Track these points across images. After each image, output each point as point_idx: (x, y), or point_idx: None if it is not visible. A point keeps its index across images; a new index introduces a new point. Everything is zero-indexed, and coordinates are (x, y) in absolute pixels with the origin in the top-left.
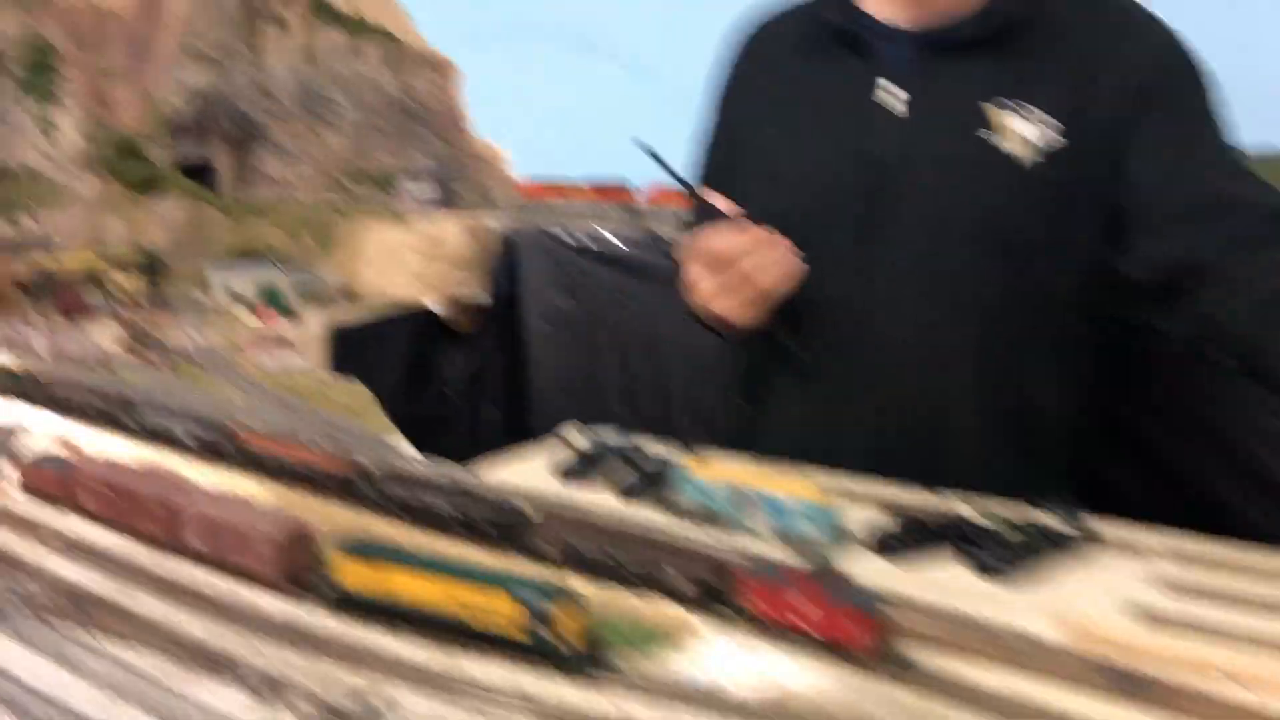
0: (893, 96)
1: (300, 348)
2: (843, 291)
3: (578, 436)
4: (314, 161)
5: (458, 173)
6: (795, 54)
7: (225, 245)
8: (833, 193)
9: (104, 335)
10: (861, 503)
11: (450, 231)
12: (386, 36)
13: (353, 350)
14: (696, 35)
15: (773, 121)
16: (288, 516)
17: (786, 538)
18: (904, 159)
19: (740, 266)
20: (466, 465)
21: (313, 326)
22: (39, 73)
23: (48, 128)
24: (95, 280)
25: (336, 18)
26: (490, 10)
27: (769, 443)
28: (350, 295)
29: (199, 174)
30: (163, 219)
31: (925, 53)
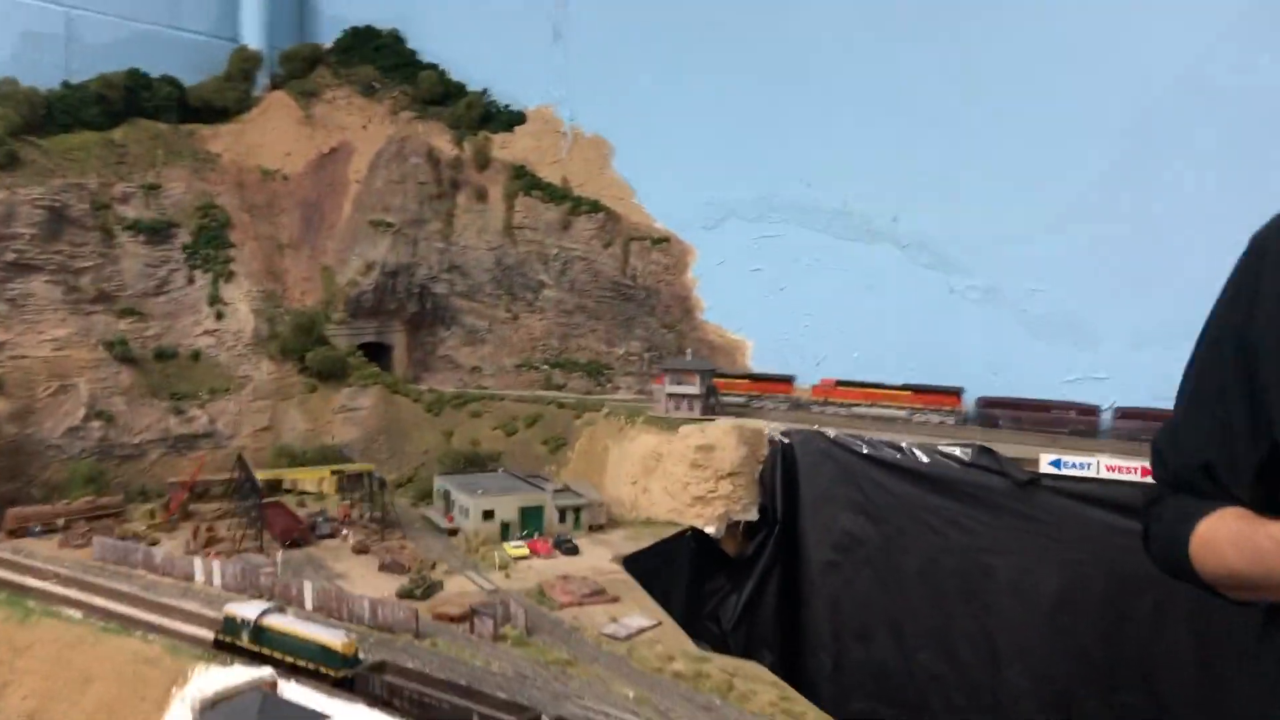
0: None
1: (614, 594)
2: None
3: None
4: (509, 345)
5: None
6: None
7: (424, 443)
8: None
9: (355, 568)
10: None
11: (720, 437)
12: (603, 211)
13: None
14: (1010, 229)
15: None
16: None
17: None
18: None
19: None
20: None
21: (599, 560)
22: (209, 242)
23: (219, 305)
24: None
25: (544, 189)
26: (752, 186)
27: None
28: (606, 512)
29: (373, 355)
30: (347, 411)
31: None
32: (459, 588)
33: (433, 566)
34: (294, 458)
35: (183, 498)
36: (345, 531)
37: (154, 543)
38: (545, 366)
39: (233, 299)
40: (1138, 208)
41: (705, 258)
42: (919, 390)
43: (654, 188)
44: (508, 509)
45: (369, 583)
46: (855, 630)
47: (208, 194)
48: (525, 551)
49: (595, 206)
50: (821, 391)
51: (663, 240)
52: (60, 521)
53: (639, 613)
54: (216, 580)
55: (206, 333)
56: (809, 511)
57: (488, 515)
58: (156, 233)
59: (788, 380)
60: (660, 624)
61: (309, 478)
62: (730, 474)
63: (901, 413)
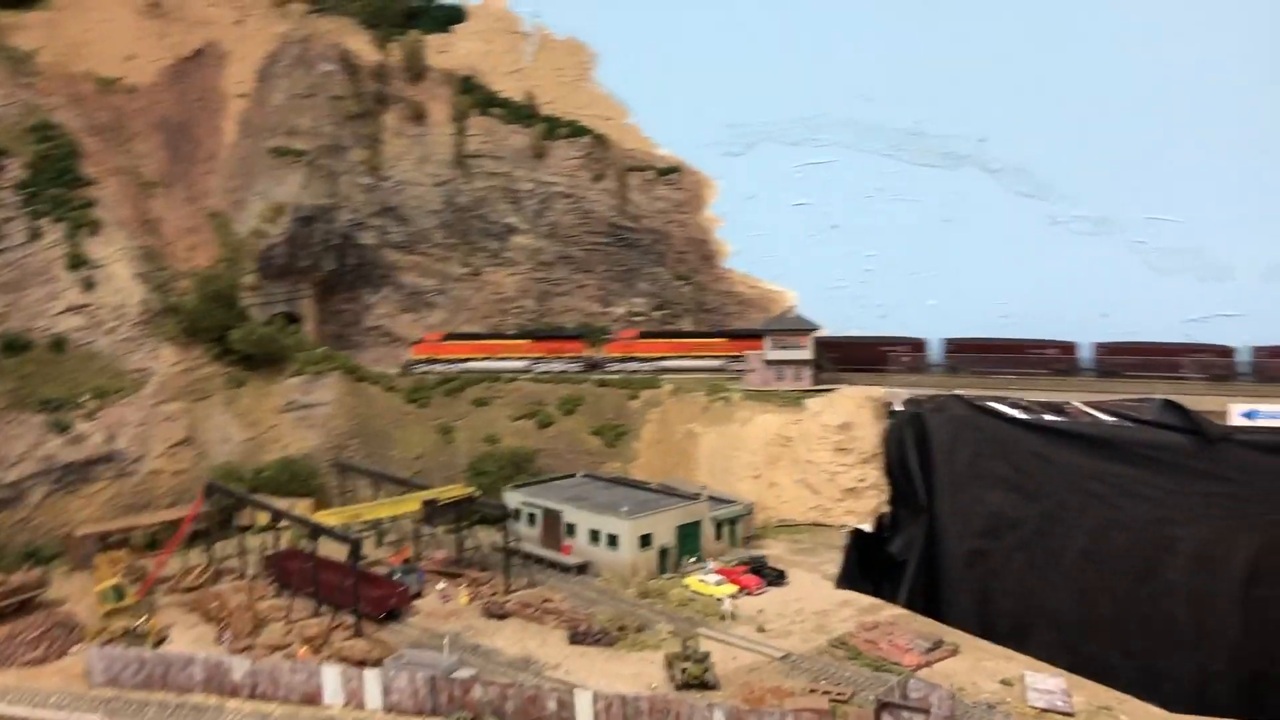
0: None
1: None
2: None
3: None
4: (467, 310)
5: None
6: None
7: (415, 445)
8: None
9: (524, 642)
10: None
11: (854, 411)
12: (589, 134)
13: None
14: (1124, 149)
15: None
16: None
17: None
18: None
19: None
20: None
21: (816, 587)
22: (57, 179)
23: (84, 269)
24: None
25: (505, 107)
26: (793, 102)
27: None
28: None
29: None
30: (298, 409)
31: None
32: (720, 657)
33: (621, 628)
34: (253, 482)
35: (164, 560)
36: (441, 586)
37: (160, 640)
38: (515, 332)
39: (103, 259)
40: (1276, 121)
41: (729, 191)
42: (737, 336)
43: (655, 106)
44: (665, 531)
45: (584, 666)
46: (1009, 628)
47: (38, 109)
48: (731, 589)
49: (578, 129)
50: (620, 347)
51: (671, 170)
52: None
53: (1026, 669)
54: (373, 699)
55: (72, 309)
56: (947, 493)
57: (645, 542)
58: None
59: (576, 338)
60: (1060, 680)
61: (391, 512)
62: (873, 456)
63: (716, 363)
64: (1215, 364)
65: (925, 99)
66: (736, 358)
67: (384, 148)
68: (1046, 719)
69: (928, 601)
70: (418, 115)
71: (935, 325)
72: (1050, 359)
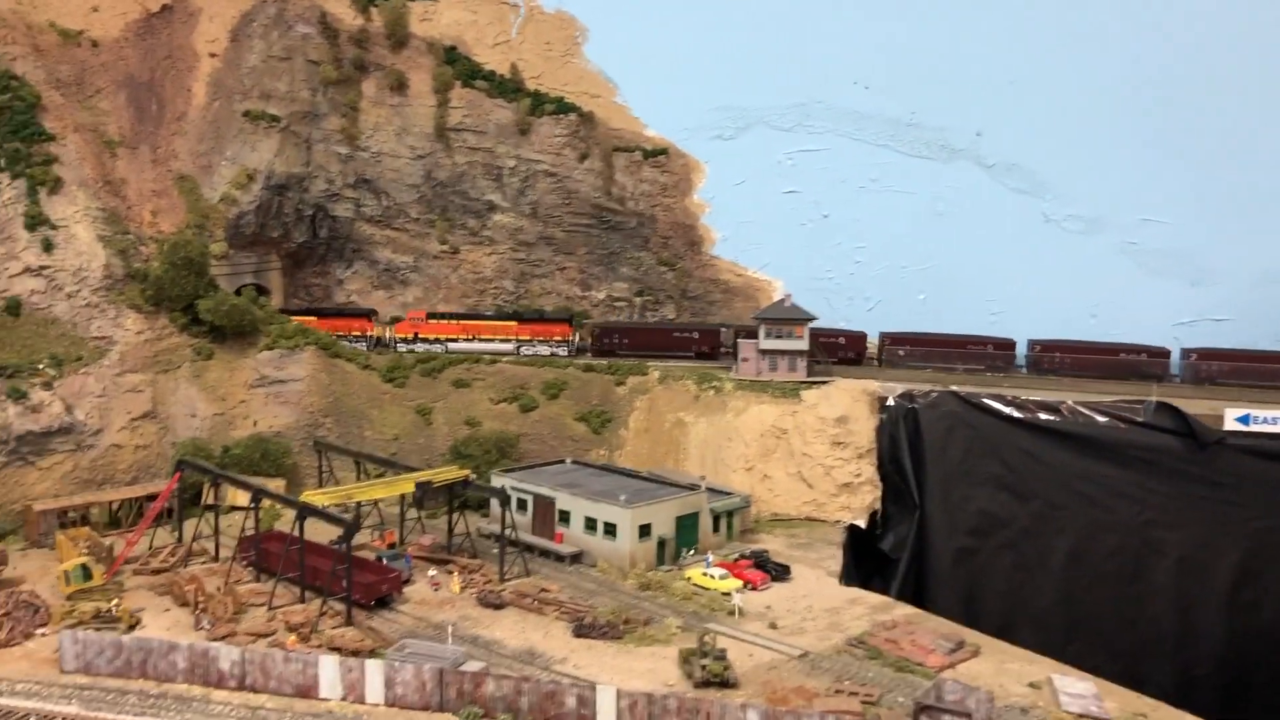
0: None
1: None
2: None
3: None
4: (444, 288)
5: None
6: None
7: (391, 426)
8: None
9: (525, 633)
10: None
11: (850, 405)
12: (575, 112)
13: None
14: (1119, 149)
15: None
16: None
17: None
18: None
19: None
20: None
21: (820, 583)
22: (18, 131)
23: (43, 229)
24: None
25: (489, 80)
26: (787, 87)
27: None
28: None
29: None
30: (269, 384)
31: None
32: (733, 654)
33: (626, 621)
34: (222, 459)
35: (136, 539)
36: (432, 573)
37: (133, 625)
38: (492, 312)
39: (64, 219)
40: (1270, 127)
41: (718, 176)
42: (527, 320)
43: (645, 85)
44: (664, 521)
45: (593, 661)
46: (993, 626)
47: None
48: (737, 583)
49: (564, 106)
50: (409, 327)
51: (659, 153)
52: None
53: (1056, 674)
54: (374, 693)
55: (29, 271)
56: (937, 490)
57: (644, 532)
58: None
59: (366, 315)
60: (1090, 684)
61: (383, 494)
62: (868, 451)
63: (507, 345)
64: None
65: (923, 90)
66: (527, 342)
67: (362, 117)
68: None
69: (915, 598)
70: (398, 84)
71: (928, 321)
72: (989, 354)
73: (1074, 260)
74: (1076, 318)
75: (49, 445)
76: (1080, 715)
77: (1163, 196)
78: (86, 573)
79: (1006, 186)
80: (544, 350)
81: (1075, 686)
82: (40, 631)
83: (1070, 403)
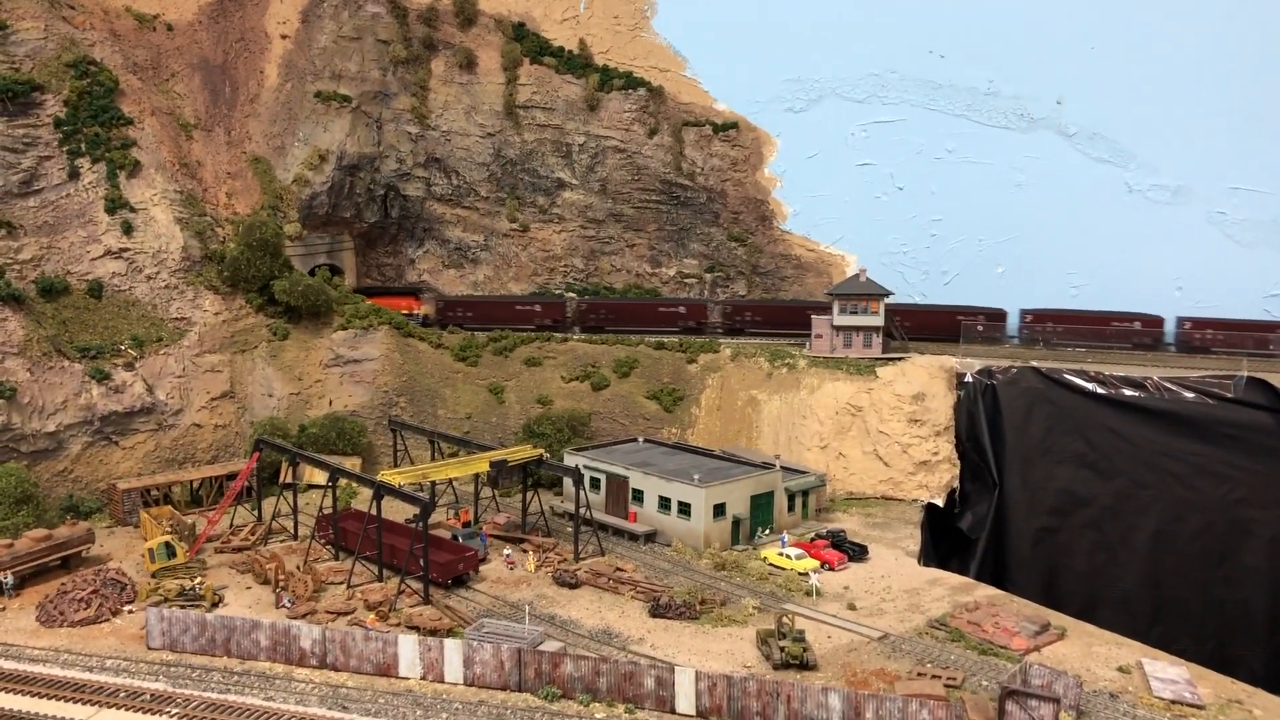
0: None
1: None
2: None
3: None
4: (514, 266)
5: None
6: None
7: (464, 404)
8: None
9: (601, 613)
10: None
11: (927, 381)
12: (644, 87)
13: None
14: (1207, 116)
15: None
16: None
17: None
18: None
19: None
20: None
21: (899, 564)
22: (96, 116)
23: (123, 211)
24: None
25: (557, 56)
26: (859, 58)
27: None
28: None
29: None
30: (344, 364)
31: None
32: (812, 636)
33: (703, 602)
34: (298, 439)
35: (218, 518)
36: (507, 552)
37: (216, 603)
38: (562, 290)
39: (143, 202)
40: None
41: (790, 150)
42: (375, 293)
43: (714, 59)
44: (739, 500)
45: (669, 641)
46: (1074, 608)
47: (76, 43)
48: (814, 563)
49: (633, 81)
50: None
51: (729, 126)
52: (4, 578)
53: (1146, 657)
54: (453, 672)
55: (110, 254)
56: (1017, 469)
57: (718, 511)
58: (14, 98)
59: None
60: (1182, 668)
61: (458, 473)
62: (946, 428)
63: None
64: None
65: (1000, 58)
66: (411, 315)
67: (431, 95)
68: (1176, 711)
69: (994, 579)
70: (467, 62)
71: (1001, 295)
72: (1135, 332)
73: (1159, 231)
74: (1161, 290)
75: (131, 425)
76: (1173, 701)
77: (1255, 164)
78: (171, 550)
79: (1088, 156)
80: None
81: (1167, 671)
82: (127, 609)
83: (1156, 378)
